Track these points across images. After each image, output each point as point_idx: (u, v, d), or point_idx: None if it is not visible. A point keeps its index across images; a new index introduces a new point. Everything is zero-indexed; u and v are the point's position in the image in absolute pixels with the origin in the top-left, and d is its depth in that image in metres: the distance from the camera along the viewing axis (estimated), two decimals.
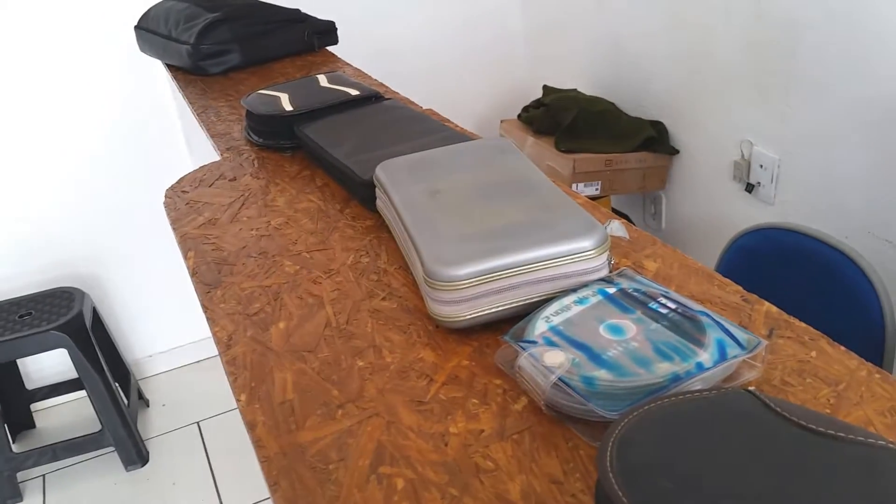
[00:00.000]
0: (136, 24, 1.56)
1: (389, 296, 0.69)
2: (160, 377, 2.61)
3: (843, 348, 0.55)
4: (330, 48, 1.50)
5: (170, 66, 1.50)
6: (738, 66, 1.83)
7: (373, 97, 1.09)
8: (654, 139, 2.08)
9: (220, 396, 2.46)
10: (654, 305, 0.57)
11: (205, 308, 0.71)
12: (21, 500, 2.16)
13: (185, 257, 0.80)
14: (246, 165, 1.01)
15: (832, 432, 0.43)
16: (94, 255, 2.40)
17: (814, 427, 0.43)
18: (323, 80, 1.16)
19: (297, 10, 1.49)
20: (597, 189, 2.04)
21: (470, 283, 0.59)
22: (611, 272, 0.63)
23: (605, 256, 0.62)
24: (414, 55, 2.50)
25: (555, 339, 0.55)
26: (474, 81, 2.64)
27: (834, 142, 1.63)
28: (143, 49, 1.56)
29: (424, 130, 0.95)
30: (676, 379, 0.50)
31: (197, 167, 1.02)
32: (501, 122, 2.37)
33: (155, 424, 2.41)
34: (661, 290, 0.59)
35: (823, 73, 1.61)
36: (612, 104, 2.21)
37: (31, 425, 2.44)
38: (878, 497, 0.38)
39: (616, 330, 0.55)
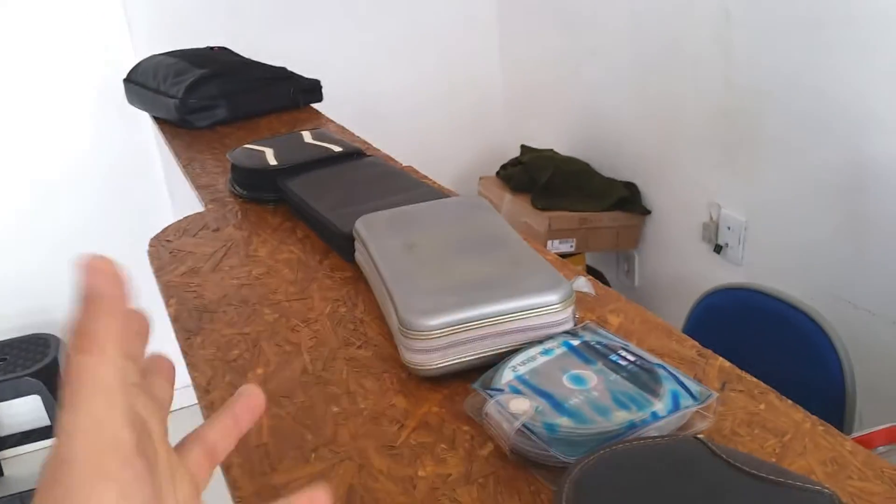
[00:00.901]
0: (125, 76, 1.60)
1: (365, 344, 0.71)
2: None
3: (790, 402, 0.59)
4: (315, 105, 1.55)
5: (157, 119, 1.53)
6: (706, 131, 1.91)
7: (355, 153, 1.12)
8: (627, 199, 2.15)
9: None
10: (614, 357, 0.60)
11: (184, 353, 0.73)
12: None
13: (167, 304, 0.82)
14: (229, 216, 1.04)
15: (774, 478, 0.46)
16: (71, 301, 2.39)
17: (756, 472, 0.46)
18: (307, 135, 1.20)
19: (284, 69, 1.54)
20: (571, 246, 2.08)
21: (442, 333, 0.62)
22: (575, 325, 0.66)
23: (570, 310, 0.66)
24: (397, 114, 2.57)
25: (520, 387, 0.58)
26: (455, 139, 2.72)
27: (799, 205, 1.69)
28: (131, 101, 1.59)
29: (404, 187, 0.99)
30: (632, 427, 0.53)
31: (180, 218, 1.05)
32: (480, 178, 2.43)
33: None
34: (621, 344, 0.63)
35: (789, 140, 1.68)
36: (587, 164, 2.28)
37: (0, 473, 2.39)
38: None
39: (578, 380, 0.58)
